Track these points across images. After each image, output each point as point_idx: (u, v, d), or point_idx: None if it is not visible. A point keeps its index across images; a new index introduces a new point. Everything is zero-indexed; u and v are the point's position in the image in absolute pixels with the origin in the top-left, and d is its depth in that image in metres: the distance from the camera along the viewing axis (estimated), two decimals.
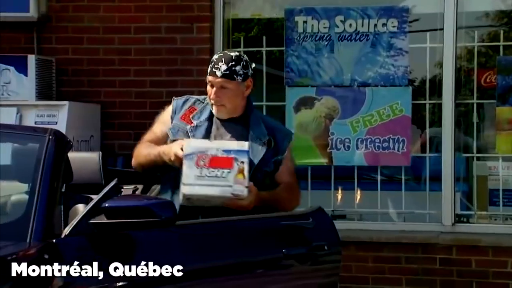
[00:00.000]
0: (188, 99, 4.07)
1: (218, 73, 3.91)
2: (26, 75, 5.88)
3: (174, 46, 6.09)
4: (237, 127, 3.99)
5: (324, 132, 5.92)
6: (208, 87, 3.94)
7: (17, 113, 5.71)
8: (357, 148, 5.93)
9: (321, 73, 6.01)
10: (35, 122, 5.68)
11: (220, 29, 6.10)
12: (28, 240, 3.24)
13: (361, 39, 5.97)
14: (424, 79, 6.06)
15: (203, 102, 4.03)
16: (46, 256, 3.20)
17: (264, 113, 6.08)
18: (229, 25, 6.20)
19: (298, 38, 6.04)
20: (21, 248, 3.20)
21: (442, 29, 5.91)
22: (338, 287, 4.36)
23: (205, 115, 4.00)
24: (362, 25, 5.97)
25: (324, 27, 6.01)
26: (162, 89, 6.07)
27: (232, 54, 3.97)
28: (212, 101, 3.95)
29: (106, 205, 3.36)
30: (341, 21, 5.99)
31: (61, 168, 3.56)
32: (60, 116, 5.72)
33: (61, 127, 5.57)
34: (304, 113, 6.02)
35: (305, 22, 6.03)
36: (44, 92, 6.01)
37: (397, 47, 5.94)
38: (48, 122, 5.68)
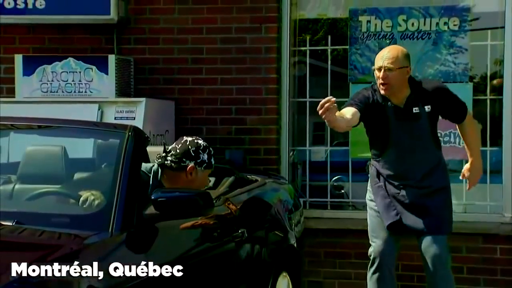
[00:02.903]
0: None
1: None
2: (106, 73, 5.99)
3: (244, 45, 6.23)
4: None
5: None
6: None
7: (99, 109, 5.82)
8: None
9: None
10: (115, 118, 5.79)
11: (287, 29, 6.23)
12: (110, 231, 3.44)
13: (423, 37, 6.09)
14: (485, 76, 6.13)
15: None
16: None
17: None
18: (296, 25, 6.33)
19: (362, 37, 6.19)
20: (104, 237, 3.41)
21: (503, 27, 5.98)
22: None
23: None
24: (424, 24, 6.09)
25: (387, 26, 6.15)
26: (232, 86, 6.25)
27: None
28: None
29: (152, 197, 3.60)
30: (403, 20, 6.11)
31: (140, 162, 3.79)
32: (137, 112, 5.81)
33: (139, 122, 5.69)
34: None
35: (368, 21, 6.17)
36: (123, 89, 6.14)
37: (457, 45, 6.06)
38: (127, 117, 5.80)
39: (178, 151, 4.12)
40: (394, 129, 4.68)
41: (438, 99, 4.69)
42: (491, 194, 6.11)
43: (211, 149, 4.22)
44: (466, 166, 4.91)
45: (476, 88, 6.14)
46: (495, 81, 6.13)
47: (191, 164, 4.11)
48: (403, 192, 4.73)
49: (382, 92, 4.64)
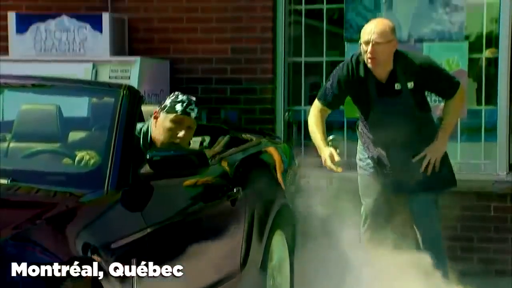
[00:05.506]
0: None
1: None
2: (101, 32, 5.97)
3: (239, 4, 6.19)
4: None
5: None
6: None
7: (93, 68, 5.80)
8: None
9: None
10: (109, 77, 5.79)
11: None
12: (105, 189, 3.45)
13: None
14: (480, 35, 6.10)
15: None
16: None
17: (324, 68, 6.27)
18: None
19: None
20: (100, 195, 3.43)
21: None
22: None
23: None
24: None
25: None
26: (227, 45, 6.23)
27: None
28: None
29: (147, 156, 3.59)
30: None
31: (135, 121, 3.79)
32: (132, 72, 5.81)
33: (134, 81, 5.68)
34: None
35: None
36: (118, 48, 6.11)
37: (453, 3, 6.01)
38: (122, 76, 5.79)
39: None
40: (375, 104, 4.73)
41: (422, 76, 4.71)
42: (486, 153, 6.11)
43: (181, 97, 4.09)
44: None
45: (472, 47, 6.11)
46: (488, 52, 6.11)
47: (156, 109, 4.13)
48: (388, 153, 4.78)
49: (369, 65, 4.66)
